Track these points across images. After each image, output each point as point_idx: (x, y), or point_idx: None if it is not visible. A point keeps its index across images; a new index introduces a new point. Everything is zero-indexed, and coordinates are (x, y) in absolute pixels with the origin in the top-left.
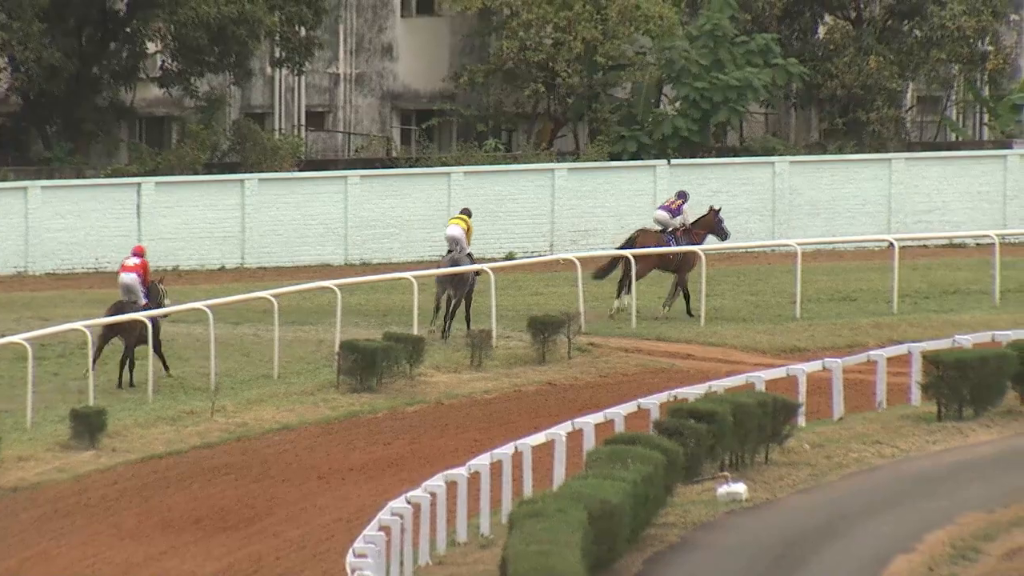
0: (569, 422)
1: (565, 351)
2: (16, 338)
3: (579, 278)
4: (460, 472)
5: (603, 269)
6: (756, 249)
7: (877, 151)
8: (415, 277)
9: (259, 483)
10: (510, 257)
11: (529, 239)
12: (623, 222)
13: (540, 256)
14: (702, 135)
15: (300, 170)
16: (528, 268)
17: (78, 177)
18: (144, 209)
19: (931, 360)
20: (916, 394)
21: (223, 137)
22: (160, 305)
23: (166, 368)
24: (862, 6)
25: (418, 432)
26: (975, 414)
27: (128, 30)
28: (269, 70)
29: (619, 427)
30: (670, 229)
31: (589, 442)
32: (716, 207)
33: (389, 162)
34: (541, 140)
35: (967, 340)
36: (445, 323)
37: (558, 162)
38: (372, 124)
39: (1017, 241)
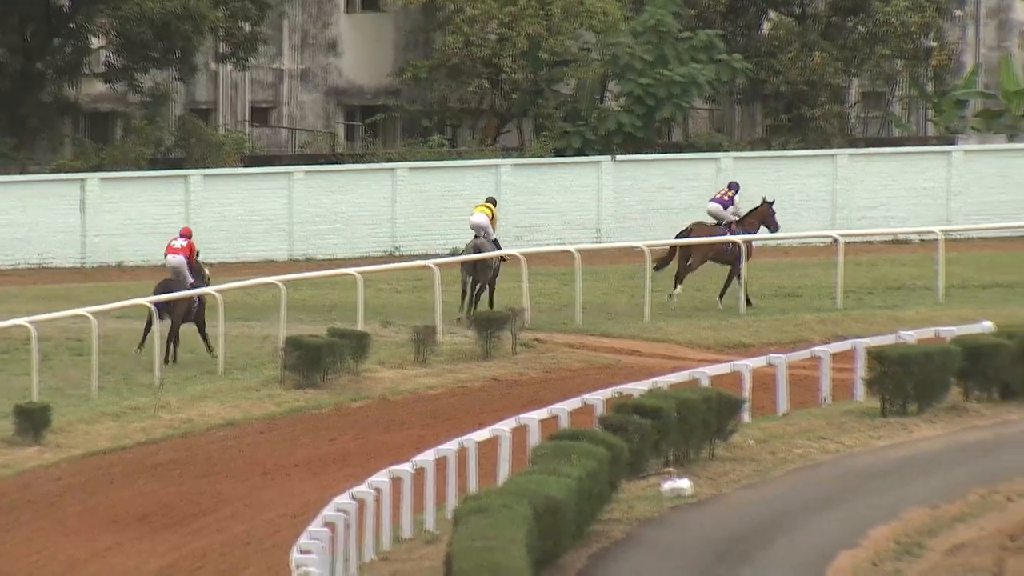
0: (514, 418)
1: (510, 347)
2: None
3: (524, 274)
4: (405, 468)
5: (662, 260)
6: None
7: (821, 147)
8: (359, 273)
9: (204, 479)
10: (454, 252)
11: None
12: (567, 218)
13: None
14: (646, 131)
15: (244, 166)
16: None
17: (22, 173)
18: (88, 205)
19: (875, 356)
20: (860, 390)
21: (167, 133)
22: (206, 284)
23: (208, 348)
24: (806, 2)
25: (363, 428)
26: (919, 410)
27: (72, 26)
28: (213, 66)
29: (564, 423)
30: (724, 222)
31: (534, 438)
32: (769, 199)
33: (334, 158)
34: (486, 136)
35: (911, 336)
36: (468, 308)
37: (503, 158)
38: (317, 120)
39: (961, 237)
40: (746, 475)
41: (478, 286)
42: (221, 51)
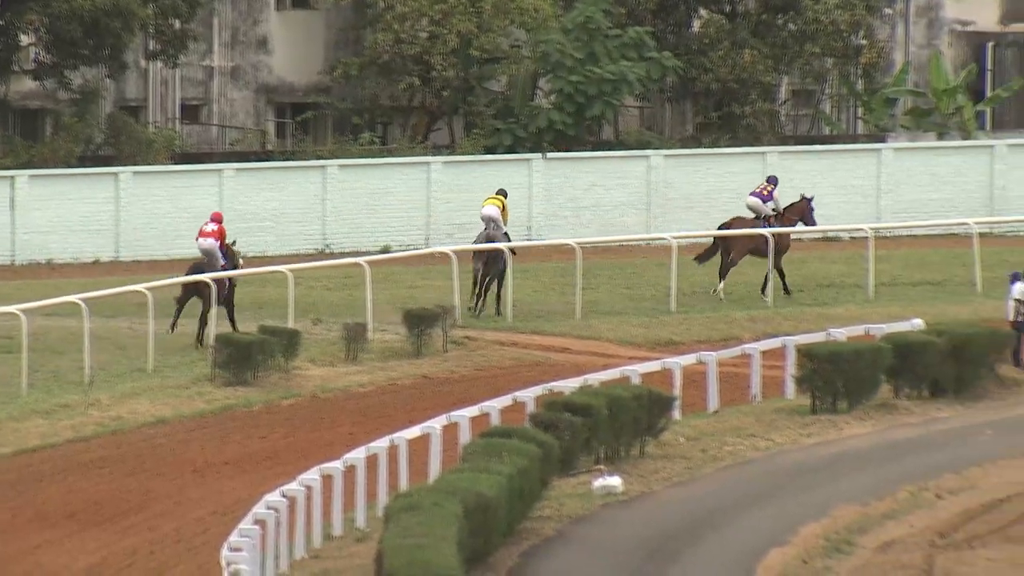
0: (445, 415)
1: (440, 344)
2: None
3: (455, 271)
4: (336, 466)
5: (704, 254)
6: (631, 243)
7: (751, 145)
8: (290, 270)
9: (134, 476)
10: (385, 250)
11: (404, 232)
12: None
13: (415, 249)
14: (577, 129)
15: (175, 163)
16: (403, 261)
17: None
18: (18, 202)
19: (805, 353)
20: (791, 387)
21: (97, 130)
22: (237, 267)
23: (233, 327)
24: (736, 0)
25: (293, 425)
26: (849, 407)
27: (1, 23)
28: (143, 63)
29: (495, 420)
30: (763, 216)
31: (465, 435)
32: (808, 195)
33: (264, 155)
34: (416, 133)
35: (841, 333)
36: (476, 300)
37: (433, 155)
38: (247, 117)
39: (891, 235)
40: (677, 472)
41: (487, 278)
42: (151, 48)
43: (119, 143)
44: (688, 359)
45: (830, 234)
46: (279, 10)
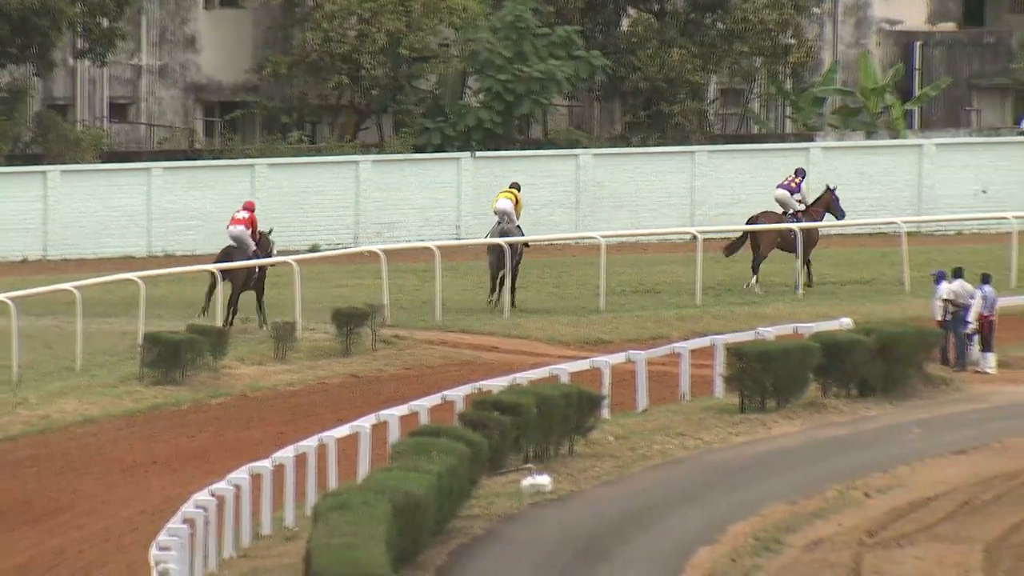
0: (374, 414)
1: (370, 343)
2: None
3: (384, 270)
4: (264, 465)
5: (731, 246)
6: (560, 241)
7: (680, 144)
8: (218, 269)
9: (62, 476)
10: (314, 249)
11: (333, 231)
12: (427, 214)
13: (344, 248)
14: (506, 127)
15: (103, 162)
16: (332, 260)
17: None
18: None
19: (734, 352)
20: (720, 386)
21: (25, 129)
22: (269, 254)
23: (263, 321)
24: None
25: (222, 424)
26: (778, 406)
27: None
28: (71, 61)
29: (424, 419)
30: (791, 211)
31: (394, 434)
32: (832, 187)
33: (192, 154)
34: (345, 132)
35: (770, 332)
36: (493, 293)
37: (362, 154)
38: (175, 116)
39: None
40: (605, 471)
41: (501, 272)
42: (79, 47)
43: (47, 142)
44: (617, 358)
45: None
46: (207, 9)
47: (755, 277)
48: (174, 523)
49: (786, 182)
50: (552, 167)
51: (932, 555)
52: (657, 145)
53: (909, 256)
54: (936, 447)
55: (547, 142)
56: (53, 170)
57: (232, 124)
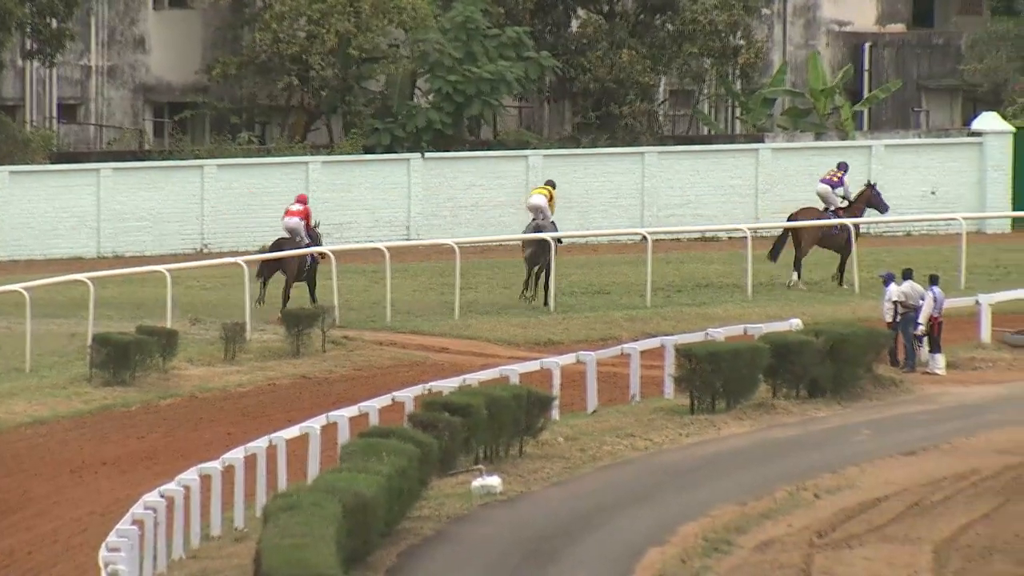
0: (324, 415)
1: (320, 344)
2: None
3: (333, 271)
4: (214, 465)
5: (775, 250)
6: (510, 242)
7: (630, 145)
8: (168, 270)
9: (11, 477)
10: (264, 250)
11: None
12: (377, 215)
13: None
14: (456, 128)
15: (52, 163)
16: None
17: None
18: None
19: (684, 353)
20: (670, 387)
21: None
22: (320, 246)
23: (313, 301)
24: (615, 0)
25: (172, 426)
26: (728, 407)
27: None
28: (20, 62)
29: (374, 420)
30: (832, 209)
31: (344, 435)
32: (872, 182)
33: (142, 155)
34: (295, 133)
35: (720, 333)
36: (530, 289)
37: (312, 155)
38: (125, 117)
39: (769, 235)
40: (556, 472)
41: (536, 268)
42: (28, 47)
43: None
44: (567, 359)
45: (709, 234)
46: (157, 9)
47: (797, 275)
48: (123, 524)
49: (828, 176)
50: (502, 168)
51: (881, 556)
52: (607, 146)
53: (858, 257)
54: (885, 448)
55: (497, 143)
56: (2, 171)
57: (181, 125)
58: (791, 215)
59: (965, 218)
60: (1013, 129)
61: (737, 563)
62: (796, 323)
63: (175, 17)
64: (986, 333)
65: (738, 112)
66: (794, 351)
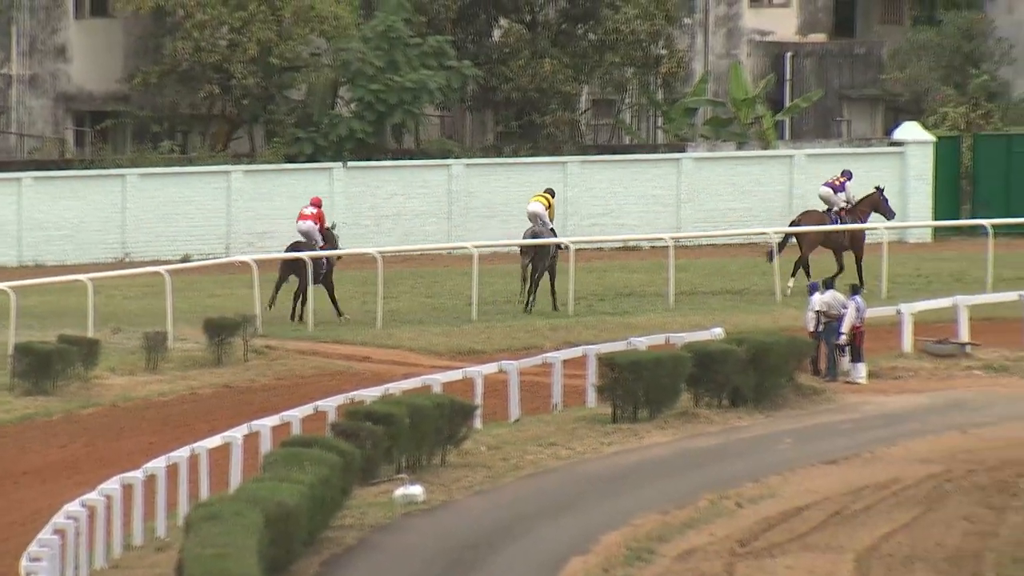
0: (246, 425)
1: (242, 353)
2: None
3: (255, 280)
4: (136, 475)
5: (771, 252)
6: (432, 251)
7: (552, 154)
8: (90, 279)
9: None
10: (186, 259)
11: (205, 241)
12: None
13: (216, 258)
14: (378, 137)
15: None
16: (204, 270)
17: None
18: None
19: (606, 362)
20: (592, 396)
21: None
22: (336, 248)
23: (338, 312)
24: (537, 10)
25: (94, 435)
26: (650, 416)
27: None
28: None
29: (296, 429)
30: (835, 209)
31: (266, 445)
32: (880, 187)
33: (63, 164)
34: (216, 142)
35: (642, 342)
36: (528, 296)
37: (234, 164)
38: (46, 126)
39: (691, 244)
40: (478, 481)
41: (536, 274)
42: None
43: None
44: (490, 368)
45: (631, 243)
46: (78, 18)
47: (792, 279)
48: (45, 534)
49: (831, 180)
50: (424, 177)
51: (803, 564)
52: (529, 155)
53: (780, 266)
54: (807, 457)
55: (419, 152)
56: None
57: (103, 134)
58: (793, 220)
59: (887, 227)
60: (934, 139)
61: (659, 572)
62: (718, 332)
63: (96, 26)
64: (908, 342)
65: (660, 122)
66: (716, 360)
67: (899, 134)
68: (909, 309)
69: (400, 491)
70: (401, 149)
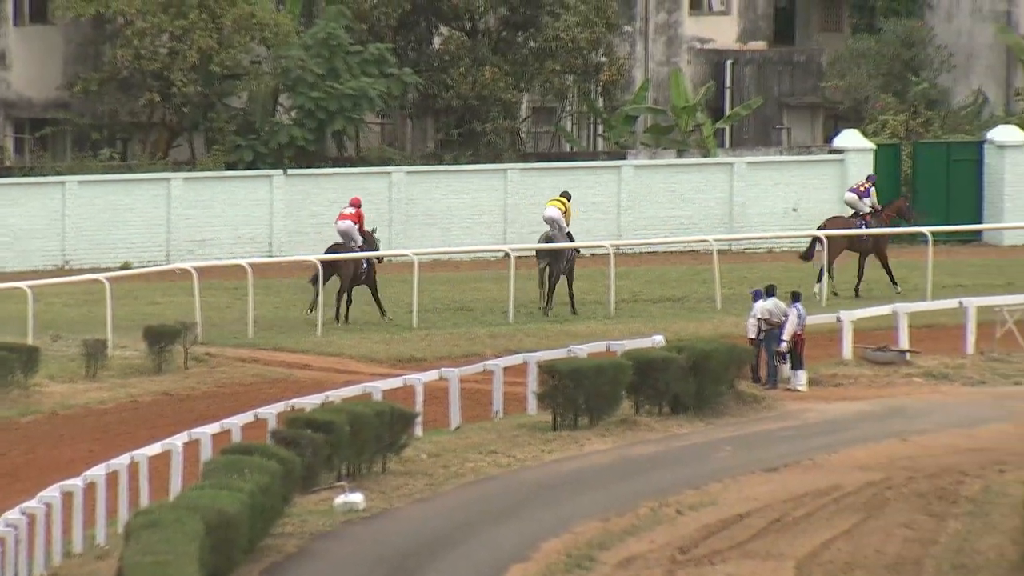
0: (186, 432)
1: (182, 361)
2: None
3: (196, 288)
4: (76, 483)
5: (807, 252)
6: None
7: (492, 162)
8: (29, 287)
9: None
10: (126, 267)
11: (145, 249)
12: (239, 232)
13: (156, 266)
14: (319, 144)
15: None
16: (144, 278)
17: None
18: None
19: (547, 370)
20: (532, 404)
21: None
22: (375, 249)
23: (382, 312)
24: (477, 17)
25: (33, 442)
26: (591, 423)
27: None
28: None
29: (236, 437)
30: (861, 213)
31: (206, 452)
32: (905, 193)
33: (2, 171)
34: (157, 149)
35: (582, 350)
36: (547, 299)
37: (174, 171)
38: None
39: (631, 251)
40: (419, 489)
41: (553, 278)
42: None
43: None
44: (430, 375)
45: None
46: (17, 25)
47: (822, 282)
48: None
49: (856, 186)
50: (365, 184)
51: (744, 572)
52: (469, 163)
53: (720, 274)
54: (747, 464)
55: (360, 160)
56: None
57: (42, 141)
58: (820, 225)
59: (827, 235)
60: (874, 146)
61: None
62: (659, 340)
63: (36, 33)
64: (848, 350)
65: (600, 129)
66: (657, 368)
67: (839, 142)
68: (849, 316)
69: (340, 499)
70: (342, 157)
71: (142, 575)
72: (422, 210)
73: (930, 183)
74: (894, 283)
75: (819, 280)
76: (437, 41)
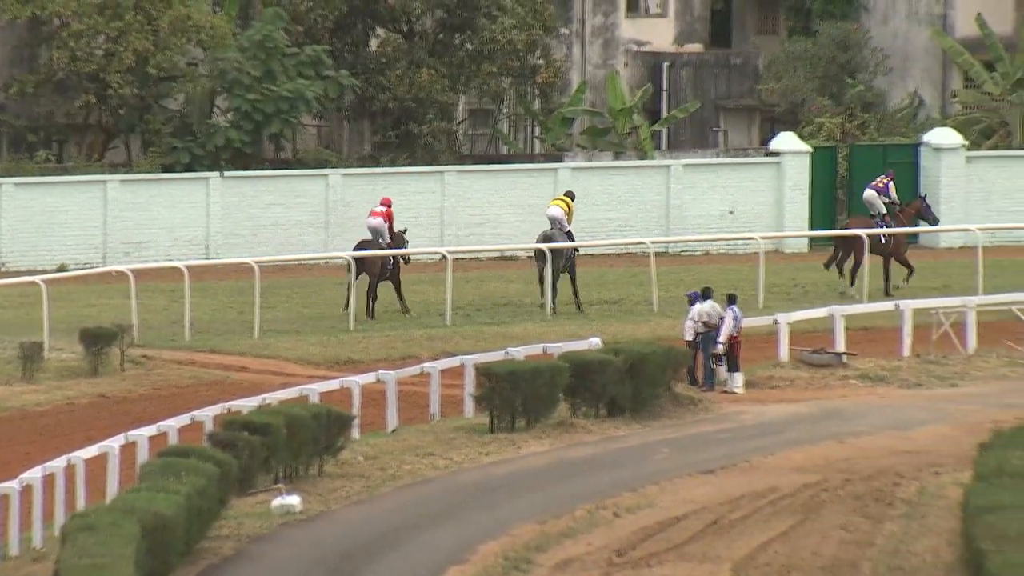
0: (123, 435)
1: (118, 363)
2: None
3: (132, 290)
4: (12, 485)
5: (830, 260)
6: (309, 261)
7: (429, 164)
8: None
9: None
10: (62, 269)
11: (81, 251)
12: (176, 234)
13: (93, 268)
14: (255, 147)
15: None
16: (81, 280)
17: None
18: None
19: (484, 372)
20: (469, 406)
21: None
22: (404, 247)
23: (404, 308)
24: (414, 20)
25: None
26: (528, 426)
27: None
28: None
29: (173, 440)
30: (879, 214)
31: (143, 455)
32: (923, 194)
33: None
34: (93, 151)
35: (519, 352)
36: (550, 297)
37: (110, 174)
38: None
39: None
40: (355, 491)
41: (554, 276)
42: None
43: None
44: (367, 378)
45: (507, 253)
46: None
47: (852, 285)
48: None
49: (875, 182)
50: (301, 187)
51: (680, 574)
52: (406, 165)
53: (657, 276)
54: (684, 467)
55: (296, 162)
56: None
57: None
58: (844, 224)
59: (763, 237)
60: (810, 149)
61: None
62: (596, 342)
63: None
64: (784, 352)
65: (537, 131)
66: (594, 370)
67: (775, 144)
68: (786, 319)
69: (277, 501)
70: (278, 159)
71: None
72: (359, 213)
73: (866, 185)
74: (908, 279)
75: (851, 284)
76: (374, 43)
